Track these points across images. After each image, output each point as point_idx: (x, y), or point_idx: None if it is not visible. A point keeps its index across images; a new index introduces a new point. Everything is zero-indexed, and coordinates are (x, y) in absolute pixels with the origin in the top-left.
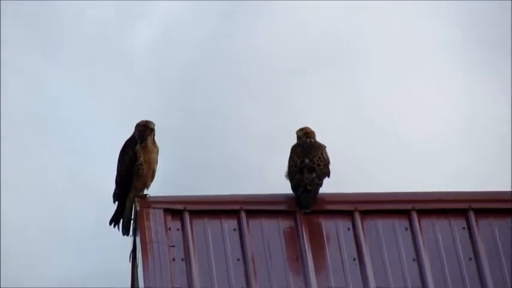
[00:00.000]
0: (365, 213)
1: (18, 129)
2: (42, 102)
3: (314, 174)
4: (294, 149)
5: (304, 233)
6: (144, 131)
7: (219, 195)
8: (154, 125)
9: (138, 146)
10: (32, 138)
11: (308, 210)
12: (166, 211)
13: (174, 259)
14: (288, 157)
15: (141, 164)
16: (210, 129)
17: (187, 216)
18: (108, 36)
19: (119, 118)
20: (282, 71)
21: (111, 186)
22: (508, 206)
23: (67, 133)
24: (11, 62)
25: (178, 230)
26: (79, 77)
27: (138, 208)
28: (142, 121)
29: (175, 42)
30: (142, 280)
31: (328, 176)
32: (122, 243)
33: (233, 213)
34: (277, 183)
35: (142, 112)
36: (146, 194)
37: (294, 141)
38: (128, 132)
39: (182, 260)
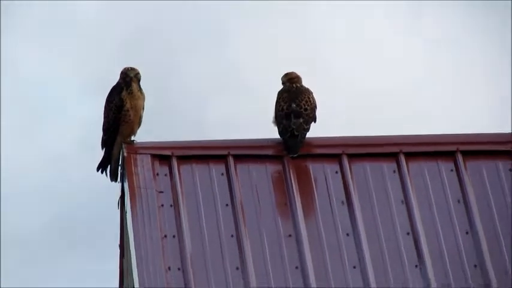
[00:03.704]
0: (353, 157)
1: None
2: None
3: (301, 120)
4: (280, 95)
5: (292, 178)
6: (125, 78)
7: (207, 141)
8: (134, 72)
9: (124, 93)
10: None
11: (295, 155)
12: (154, 157)
13: (162, 205)
14: (275, 102)
15: (128, 110)
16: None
17: (175, 161)
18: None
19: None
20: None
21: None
22: (496, 147)
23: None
24: None
25: (166, 175)
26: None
27: (125, 154)
28: (124, 68)
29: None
30: (131, 226)
31: (315, 121)
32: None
33: (221, 158)
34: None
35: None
36: (133, 140)
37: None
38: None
39: (171, 206)
